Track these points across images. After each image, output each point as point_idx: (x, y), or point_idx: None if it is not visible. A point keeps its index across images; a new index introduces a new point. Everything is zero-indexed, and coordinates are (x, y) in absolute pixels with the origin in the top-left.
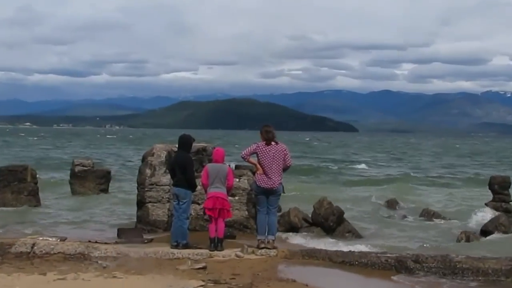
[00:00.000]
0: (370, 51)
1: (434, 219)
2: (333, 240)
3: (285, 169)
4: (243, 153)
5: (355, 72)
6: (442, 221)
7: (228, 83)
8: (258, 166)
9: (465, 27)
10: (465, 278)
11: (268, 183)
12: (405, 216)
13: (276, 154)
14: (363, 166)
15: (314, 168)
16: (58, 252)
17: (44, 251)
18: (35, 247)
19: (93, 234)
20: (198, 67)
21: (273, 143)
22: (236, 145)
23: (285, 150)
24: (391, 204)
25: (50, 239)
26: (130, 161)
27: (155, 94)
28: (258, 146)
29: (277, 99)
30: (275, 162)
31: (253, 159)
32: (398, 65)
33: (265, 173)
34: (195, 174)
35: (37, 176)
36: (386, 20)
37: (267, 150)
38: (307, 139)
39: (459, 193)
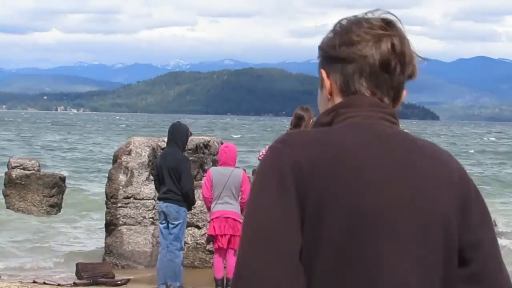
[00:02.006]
0: None
1: None
2: None
3: None
4: (262, 153)
5: (436, 28)
6: None
7: (242, 45)
8: None
9: None
10: None
11: None
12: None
13: None
14: None
15: None
16: None
17: None
18: None
19: (39, 270)
20: (197, 19)
21: None
22: (254, 139)
23: None
24: None
25: None
26: (94, 162)
27: (131, 60)
28: None
29: (317, 69)
30: None
31: None
32: (500, 18)
33: None
34: (194, 182)
35: None
36: None
37: None
38: None
39: None
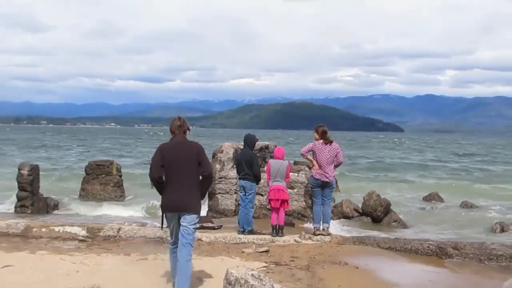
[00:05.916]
0: (416, 59)
1: (473, 211)
2: (381, 228)
3: (337, 165)
4: (302, 150)
5: (402, 78)
6: (478, 213)
7: (287, 88)
8: (315, 162)
9: (506, 34)
10: (499, 263)
11: (324, 177)
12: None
13: (330, 152)
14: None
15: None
16: (140, 236)
17: (128, 235)
18: (121, 231)
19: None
20: (261, 73)
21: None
22: (293, 144)
23: (337, 149)
24: (433, 197)
25: (133, 225)
26: None
27: (223, 97)
28: (315, 145)
29: (332, 102)
30: (330, 159)
31: (310, 156)
32: (441, 71)
33: (320, 168)
34: (260, 168)
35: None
36: (432, 29)
37: (323, 148)
38: (375, 140)
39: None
